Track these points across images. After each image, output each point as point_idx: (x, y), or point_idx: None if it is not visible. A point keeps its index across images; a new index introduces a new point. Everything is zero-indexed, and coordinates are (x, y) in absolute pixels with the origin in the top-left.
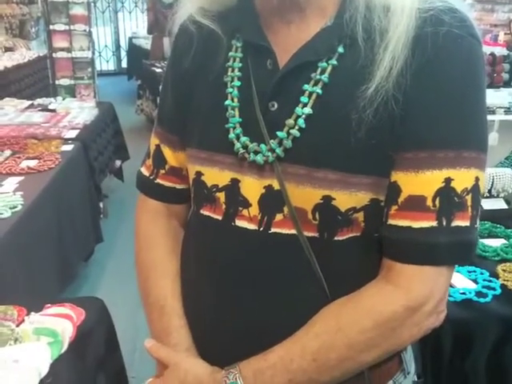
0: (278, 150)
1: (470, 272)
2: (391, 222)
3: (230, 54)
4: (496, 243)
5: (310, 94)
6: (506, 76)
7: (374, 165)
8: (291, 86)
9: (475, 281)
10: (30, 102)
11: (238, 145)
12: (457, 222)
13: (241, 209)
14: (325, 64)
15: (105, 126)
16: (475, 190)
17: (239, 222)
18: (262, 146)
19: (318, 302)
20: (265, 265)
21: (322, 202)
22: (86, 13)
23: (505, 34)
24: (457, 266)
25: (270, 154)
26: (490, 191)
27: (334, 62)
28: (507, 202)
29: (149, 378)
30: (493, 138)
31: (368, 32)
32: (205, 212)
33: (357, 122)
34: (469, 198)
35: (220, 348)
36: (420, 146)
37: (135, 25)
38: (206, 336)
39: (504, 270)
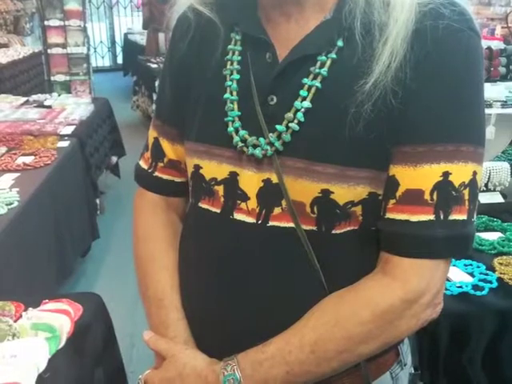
0: (277, 144)
1: (466, 265)
2: (389, 215)
3: (229, 47)
4: (492, 237)
5: (310, 87)
6: (502, 70)
7: (372, 159)
8: (290, 79)
9: (472, 274)
10: (25, 99)
11: (236, 138)
12: (454, 216)
13: (239, 202)
14: (324, 58)
15: (101, 122)
16: (472, 184)
17: (237, 215)
18: (261, 139)
19: (316, 295)
20: (263, 257)
21: (320, 195)
22: (80, 8)
23: (502, 27)
24: (453, 259)
25: (268, 147)
26: (486, 185)
27: (333, 55)
28: (504, 196)
29: (147, 370)
30: (490, 131)
31: (367, 26)
32: (203, 205)
33: (355, 115)
34: (466, 192)
35: (218, 340)
36: (419, 140)
37: (130, 20)
38: (204, 328)
39: (500, 264)
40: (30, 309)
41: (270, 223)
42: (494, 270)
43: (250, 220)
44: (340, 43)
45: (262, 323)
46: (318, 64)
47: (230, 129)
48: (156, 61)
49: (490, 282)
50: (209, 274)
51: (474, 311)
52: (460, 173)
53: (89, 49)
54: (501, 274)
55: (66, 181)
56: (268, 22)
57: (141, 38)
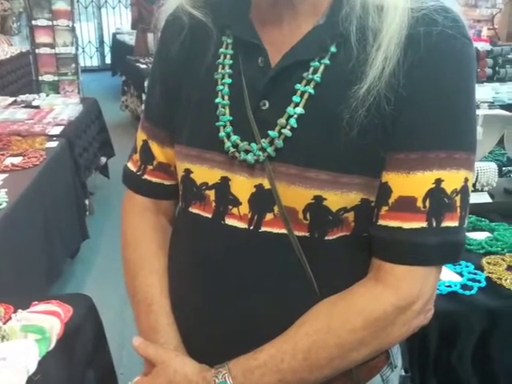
0: (269, 150)
1: (455, 265)
2: (381, 222)
3: (221, 50)
4: (481, 236)
5: (302, 93)
6: (489, 71)
7: (365, 165)
8: (283, 85)
9: (460, 274)
10: (13, 99)
11: (228, 143)
12: (446, 223)
13: (231, 207)
14: (317, 63)
15: (89, 123)
16: (464, 190)
17: (229, 221)
18: (253, 144)
19: (308, 301)
20: (254, 263)
21: (313, 202)
22: (68, 8)
23: (488, 29)
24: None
25: (260, 153)
26: (474, 185)
27: (326, 61)
28: (491, 196)
29: (137, 376)
30: (477, 132)
31: (362, 31)
32: (194, 210)
33: (349, 121)
34: (458, 198)
35: (209, 346)
36: (411, 147)
37: (119, 20)
38: (194, 334)
39: (489, 263)
40: (20, 310)
41: (262, 229)
42: (482, 270)
43: (242, 225)
44: (333, 49)
45: (254, 328)
46: (311, 70)
47: (222, 134)
48: (145, 61)
49: (479, 282)
50: (200, 279)
51: (463, 310)
52: (452, 180)
53: (77, 49)
54: (489, 273)
55: (55, 181)
56: (260, 26)
57: (129, 38)
